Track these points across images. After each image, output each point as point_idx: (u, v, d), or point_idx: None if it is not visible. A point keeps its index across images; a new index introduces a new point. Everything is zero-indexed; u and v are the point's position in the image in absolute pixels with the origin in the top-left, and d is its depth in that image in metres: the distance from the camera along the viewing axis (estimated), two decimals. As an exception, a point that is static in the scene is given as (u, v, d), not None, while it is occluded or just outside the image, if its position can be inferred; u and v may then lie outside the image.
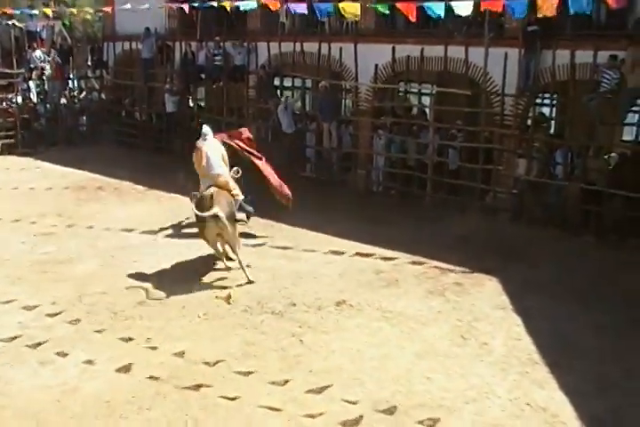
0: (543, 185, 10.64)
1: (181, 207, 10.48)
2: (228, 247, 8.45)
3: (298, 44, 13.44)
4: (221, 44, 15.18)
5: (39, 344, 6.51)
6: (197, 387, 5.75)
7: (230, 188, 8.56)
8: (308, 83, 14.30)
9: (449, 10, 10.69)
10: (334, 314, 7.25)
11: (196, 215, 8.10)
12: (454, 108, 11.71)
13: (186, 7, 15.39)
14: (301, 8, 12.70)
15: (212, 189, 8.16)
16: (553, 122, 11.92)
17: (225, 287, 7.90)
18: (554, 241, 9.74)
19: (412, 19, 11.18)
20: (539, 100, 11.96)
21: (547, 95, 12.07)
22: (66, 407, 5.50)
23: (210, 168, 8.45)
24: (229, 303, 7.46)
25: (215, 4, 14.41)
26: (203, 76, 15.82)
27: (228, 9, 14.08)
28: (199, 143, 8.70)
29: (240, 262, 8.15)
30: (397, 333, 6.86)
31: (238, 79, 14.81)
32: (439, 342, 6.68)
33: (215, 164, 8.50)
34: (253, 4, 13.47)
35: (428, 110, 12.61)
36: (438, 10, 10.82)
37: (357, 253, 9.15)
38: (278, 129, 13.51)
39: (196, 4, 15.18)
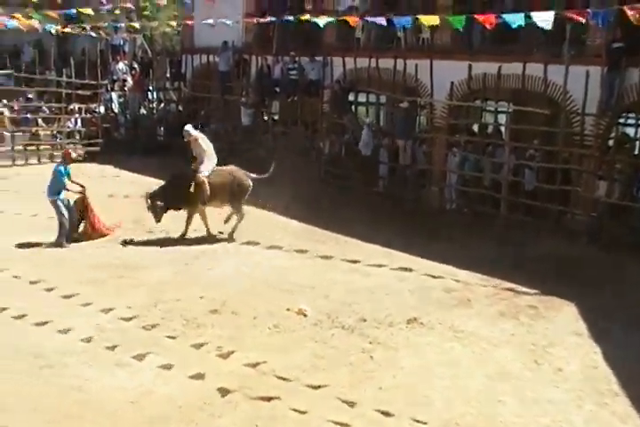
0: (625, 208, 10.29)
1: (257, 219, 10.67)
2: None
3: (373, 60, 13.49)
4: (297, 58, 15.42)
5: (115, 347, 6.70)
6: (267, 398, 5.79)
7: None
8: (383, 98, 14.32)
9: (529, 21, 10.29)
10: (405, 331, 7.19)
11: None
12: (531, 127, 11.48)
13: (263, 21, 15.70)
14: (380, 20, 12.60)
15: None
16: (637, 142, 11.55)
17: (296, 300, 7.95)
18: (635, 266, 9.38)
19: (490, 27, 10.84)
20: (622, 120, 11.61)
21: (631, 115, 11.70)
22: (140, 409, 5.64)
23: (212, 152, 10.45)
24: (305, 315, 7.50)
25: (292, 18, 14.63)
26: (278, 89, 16.08)
27: (305, 22, 14.20)
28: (195, 134, 10.51)
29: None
30: (469, 353, 6.74)
31: (313, 94, 14.99)
32: (511, 364, 6.52)
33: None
34: (332, 19, 13.57)
35: (503, 129, 12.42)
36: (518, 20, 10.49)
37: (428, 271, 9.07)
38: (352, 145, 13.56)
39: (273, 19, 15.46)
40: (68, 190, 10.08)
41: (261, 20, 15.92)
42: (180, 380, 6.11)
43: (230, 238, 10.36)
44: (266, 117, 16.63)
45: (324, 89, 14.76)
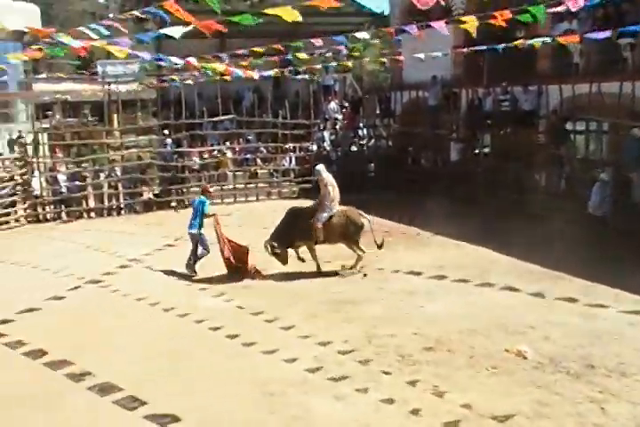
0: None
1: (467, 255, 10.45)
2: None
3: (594, 85, 12.71)
4: (509, 89, 15.04)
5: (334, 379, 6.84)
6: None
7: None
8: (605, 126, 13.39)
9: None
10: (643, 384, 6.50)
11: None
12: None
13: (473, 50, 15.51)
14: (602, 35, 11.52)
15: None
16: None
17: (514, 341, 7.59)
18: None
19: None
20: None
21: None
22: (360, 444, 5.67)
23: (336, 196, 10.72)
24: (525, 358, 7.12)
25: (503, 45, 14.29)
26: (489, 122, 15.78)
27: (520, 47, 13.74)
28: (325, 176, 10.80)
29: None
30: None
31: (527, 125, 14.48)
32: None
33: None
34: (548, 39, 12.94)
35: None
36: None
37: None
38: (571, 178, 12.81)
39: (483, 47, 15.24)
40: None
41: (471, 49, 15.79)
42: (397, 416, 6.06)
43: (346, 273, 10.62)
44: (477, 151, 16.35)
45: (540, 119, 14.19)
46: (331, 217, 10.62)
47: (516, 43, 13.64)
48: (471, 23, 12.68)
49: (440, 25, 14.09)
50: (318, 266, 10.72)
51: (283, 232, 10.65)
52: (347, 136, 20.13)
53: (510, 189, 14.15)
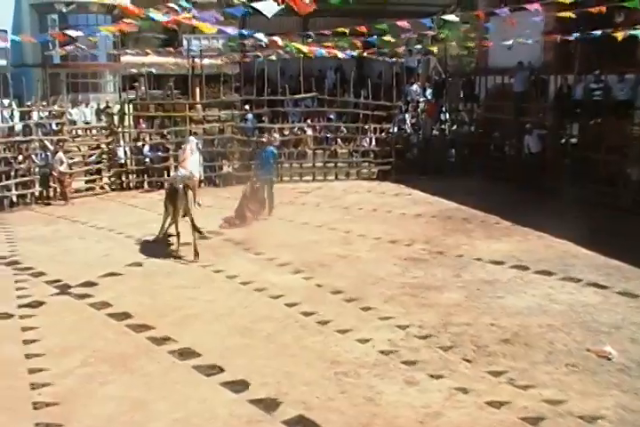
0: None
1: (550, 247, 10.13)
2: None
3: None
4: (602, 77, 14.40)
5: (407, 363, 6.78)
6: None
7: None
8: None
9: None
10: None
11: None
12: None
13: (566, 39, 14.94)
14: None
15: None
16: None
17: (597, 341, 7.31)
18: None
19: None
20: None
21: None
22: (428, 430, 5.59)
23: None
24: (609, 359, 6.86)
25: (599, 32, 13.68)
26: (578, 111, 15.19)
27: (620, 39, 13.15)
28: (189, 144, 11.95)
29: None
30: None
31: (621, 115, 13.84)
32: None
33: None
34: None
35: None
36: None
37: None
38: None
39: (576, 35, 14.63)
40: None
41: (564, 37, 15.19)
42: (471, 406, 5.95)
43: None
44: (563, 140, 15.79)
45: (636, 110, 13.53)
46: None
47: (617, 34, 13.03)
48: (567, 7, 12.20)
49: (534, 7, 13.62)
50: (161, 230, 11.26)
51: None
52: (428, 120, 19.79)
53: (599, 181, 13.60)
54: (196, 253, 10.34)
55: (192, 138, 12.85)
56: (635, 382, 6.39)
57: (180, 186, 10.45)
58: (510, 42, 16.37)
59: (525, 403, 6.00)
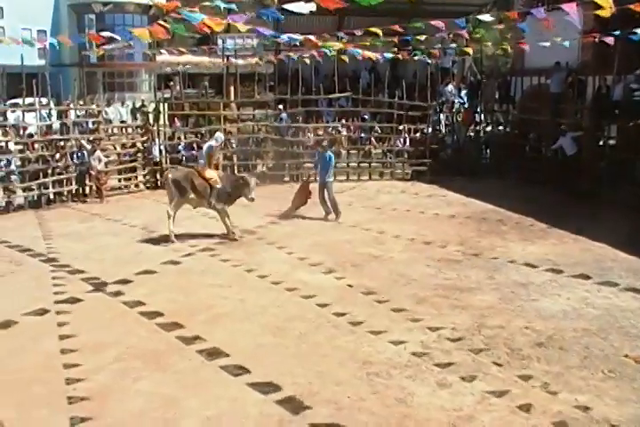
0: None
1: (587, 251, 9.94)
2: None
3: None
4: (642, 77, 14.12)
5: (439, 365, 6.72)
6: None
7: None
8: None
9: None
10: None
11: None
12: None
13: (607, 40, 14.64)
14: None
15: None
16: None
17: (635, 347, 7.15)
18: None
19: None
20: None
21: None
22: (461, 434, 5.54)
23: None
24: (645, 364, 6.73)
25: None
26: (617, 112, 14.90)
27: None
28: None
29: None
30: None
31: (663, 117, 13.57)
32: None
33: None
34: None
35: None
36: None
37: None
38: None
39: (616, 33, 14.33)
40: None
41: (603, 38, 14.91)
42: (504, 410, 5.88)
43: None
44: (601, 142, 15.49)
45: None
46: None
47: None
48: (606, 6, 11.95)
49: (571, 7, 13.35)
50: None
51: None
52: (461, 129, 19.62)
53: (638, 184, 13.30)
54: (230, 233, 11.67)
55: (219, 134, 12.84)
56: (673, 389, 6.24)
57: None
58: (548, 43, 16.13)
59: (559, 408, 5.91)
